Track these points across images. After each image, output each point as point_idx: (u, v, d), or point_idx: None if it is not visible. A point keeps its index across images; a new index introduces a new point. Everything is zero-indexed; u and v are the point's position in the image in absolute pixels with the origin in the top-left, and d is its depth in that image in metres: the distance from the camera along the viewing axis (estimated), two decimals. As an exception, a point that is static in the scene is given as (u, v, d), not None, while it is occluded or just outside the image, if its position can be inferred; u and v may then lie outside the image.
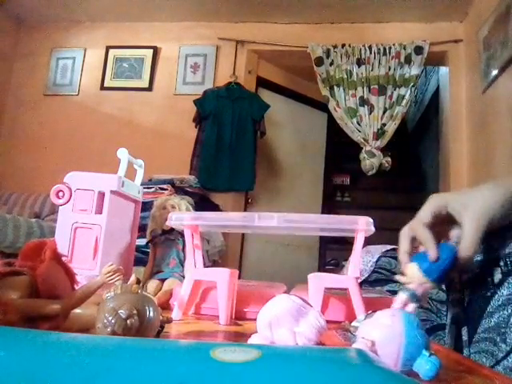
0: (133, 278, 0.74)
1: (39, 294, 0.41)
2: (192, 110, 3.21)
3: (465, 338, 0.73)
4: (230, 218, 0.66)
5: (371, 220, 0.58)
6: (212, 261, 2.63)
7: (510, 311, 0.65)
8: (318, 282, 0.61)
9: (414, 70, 3.06)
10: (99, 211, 0.77)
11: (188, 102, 3.23)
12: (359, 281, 1.87)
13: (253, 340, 0.41)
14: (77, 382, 0.20)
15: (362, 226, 0.58)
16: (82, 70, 3.56)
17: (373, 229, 0.58)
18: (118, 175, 0.80)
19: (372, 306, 0.59)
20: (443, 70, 3.42)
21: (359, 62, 3.12)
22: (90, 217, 0.76)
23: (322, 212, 3.70)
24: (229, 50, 3.37)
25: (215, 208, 2.95)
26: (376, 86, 3.08)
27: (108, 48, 3.54)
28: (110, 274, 0.45)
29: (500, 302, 0.67)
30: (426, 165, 4.43)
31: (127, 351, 0.23)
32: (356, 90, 3.11)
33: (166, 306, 0.71)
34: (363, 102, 3.08)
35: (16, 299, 0.39)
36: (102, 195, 0.77)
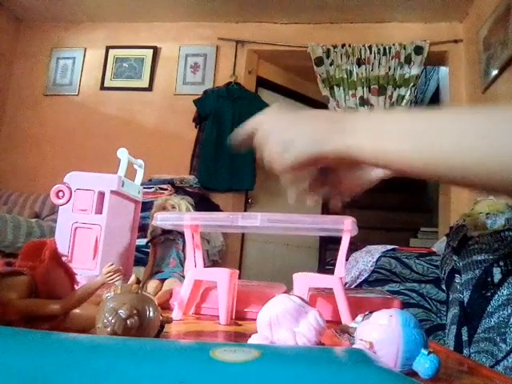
0: (133, 278, 0.74)
1: (39, 294, 0.41)
2: (192, 110, 3.21)
3: (465, 337, 0.73)
4: (214, 218, 0.66)
5: (355, 220, 0.58)
6: (212, 261, 2.63)
7: (509, 311, 0.66)
8: (302, 281, 0.61)
9: (414, 70, 3.06)
10: (99, 211, 0.77)
11: (188, 102, 3.23)
12: (359, 281, 1.87)
13: (253, 340, 0.41)
14: (77, 381, 0.20)
15: (347, 226, 0.58)
16: (82, 70, 3.57)
17: (356, 229, 0.58)
18: (118, 175, 0.80)
19: (372, 306, 0.59)
20: (443, 69, 3.42)
21: (359, 62, 3.12)
22: (90, 217, 0.76)
23: (322, 212, 3.69)
24: (229, 50, 3.37)
25: (215, 208, 2.95)
26: (376, 86, 3.08)
27: (108, 48, 3.54)
28: (110, 274, 0.45)
29: (500, 302, 0.67)
30: (426, 165, 4.42)
31: (127, 351, 0.23)
32: (356, 90, 3.11)
33: (166, 306, 0.71)
34: (363, 102, 3.08)
35: (16, 299, 0.39)
36: (101, 195, 0.77)
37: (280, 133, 0.52)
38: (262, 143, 0.54)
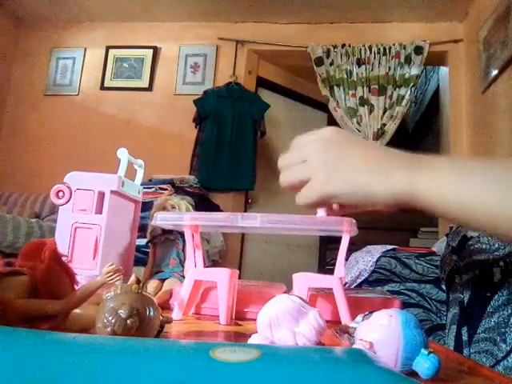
0: (133, 278, 0.74)
1: (39, 294, 0.41)
2: (192, 110, 3.21)
3: (465, 338, 0.73)
4: (214, 218, 0.66)
5: (354, 221, 0.58)
6: (212, 261, 2.63)
7: (510, 311, 0.66)
8: (302, 281, 0.61)
9: (414, 70, 3.06)
10: (99, 211, 0.77)
11: (188, 102, 3.23)
12: (359, 281, 1.87)
13: (253, 340, 0.41)
14: (77, 382, 0.20)
15: (347, 226, 0.58)
16: (82, 69, 3.57)
17: (356, 230, 0.58)
18: (118, 175, 0.80)
19: (372, 306, 0.59)
20: (443, 69, 3.42)
21: (359, 62, 3.12)
22: (90, 217, 0.76)
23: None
24: (229, 50, 3.37)
25: (215, 208, 2.95)
26: (376, 86, 3.08)
27: (108, 48, 3.54)
28: (110, 274, 0.45)
29: (500, 302, 0.67)
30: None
31: (127, 351, 0.23)
32: (356, 90, 3.11)
33: (166, 306, 0.71)
34: (363, 102, 3.08)
35: (16, 299, 0.39)
36: (101, 195, 0.77)
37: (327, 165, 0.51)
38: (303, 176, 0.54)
